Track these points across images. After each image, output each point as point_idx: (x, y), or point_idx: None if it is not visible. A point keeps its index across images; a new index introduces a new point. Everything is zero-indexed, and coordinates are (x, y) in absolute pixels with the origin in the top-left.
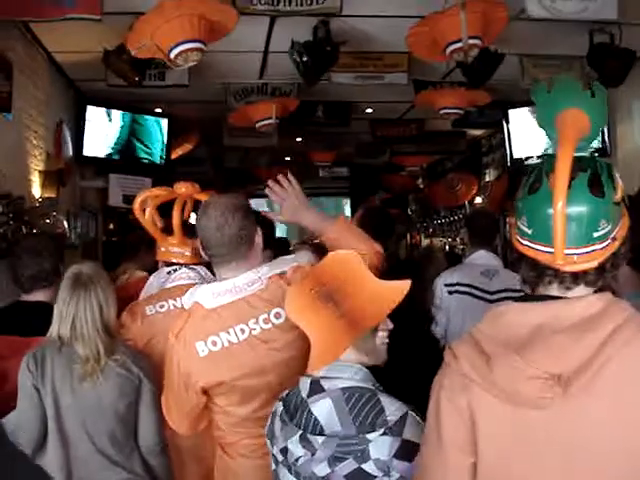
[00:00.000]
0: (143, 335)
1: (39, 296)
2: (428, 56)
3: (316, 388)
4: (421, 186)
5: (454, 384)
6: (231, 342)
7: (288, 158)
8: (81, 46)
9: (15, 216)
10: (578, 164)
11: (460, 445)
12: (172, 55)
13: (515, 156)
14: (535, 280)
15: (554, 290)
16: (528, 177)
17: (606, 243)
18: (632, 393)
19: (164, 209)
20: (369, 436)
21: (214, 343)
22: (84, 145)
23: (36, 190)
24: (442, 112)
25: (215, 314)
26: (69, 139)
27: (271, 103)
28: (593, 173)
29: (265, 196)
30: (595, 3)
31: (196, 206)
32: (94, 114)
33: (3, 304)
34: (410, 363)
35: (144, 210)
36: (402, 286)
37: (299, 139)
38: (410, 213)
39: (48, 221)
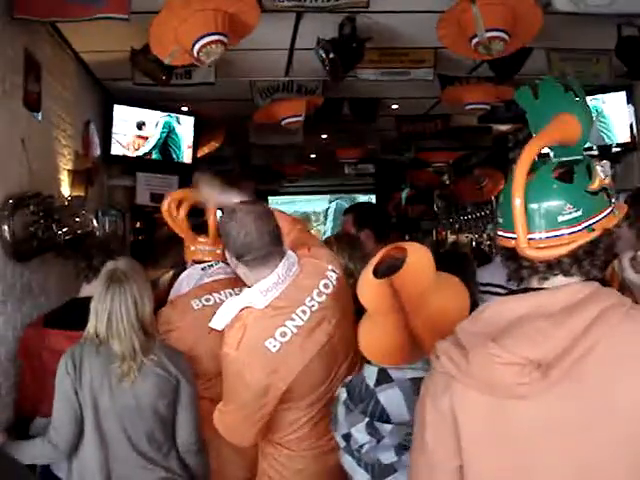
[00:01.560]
0: (193, 330)
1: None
2: (458, 50)
3: (384, 377)
4: (447, 182)
5: (437, 386)
6: (298, 326)
7: (313, 155)
8: (108, 45)
9: (45, 215)
10: (565, 161)
11: (444, 448)
12: (194, 52)
13: (542, 151)
14: (516, 274)
15: (534, 282)
16: (508, 173)
17: (575, 229)
18: (621, 377)
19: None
20: None
21: (283, 334)
22: (112, 144)
23: (65, 189)
24: (469, 108)
25: (271, 309)
26: (97, 138)
27: (299, 100)
28: (563, 162)
29: (291, 193)
30: None
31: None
32: (122, 113)
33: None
34: None
35: (176, 210)
36: (465, 303)
37: (324, 136)
38: (436, 209)
39: (78, 220)
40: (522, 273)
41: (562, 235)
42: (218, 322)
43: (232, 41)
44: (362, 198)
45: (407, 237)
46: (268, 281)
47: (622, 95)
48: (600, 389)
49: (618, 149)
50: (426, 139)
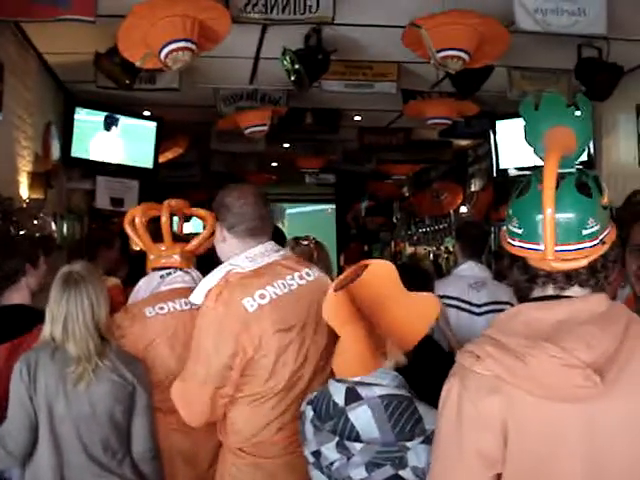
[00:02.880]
0: (144, 337)
1: (13, 298)
2: (423, 56)
3: (353, 395)
4: (406, 194)
5: (480, 388)
6: (277, 294)
7: (275, 164)
8: (72, 47)
9: (4, 217)
10: (567, 172)
11: (486, 454)
12: (162, 56)
13: (501, 167)
14: (528, 284)
15: (550, 291)
16: (517, 186)
17: (595, 242)
18: None
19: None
20: (408, 444)
21: (262, 296)
22: (72, 147)
23: (24, 191)
24: (430, 122)
25: (254, 273)
26: (57, 140)
27: (264, 110)
28: (580, 176)
29: None
30: (586, 18)
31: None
32: (83, 116)
33: None
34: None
35: (133, 222)
36: (434, 305)
37: (286, 145)
38: (395, 221)
39: (36, 222)
40: (537, 281)
41: (585, 248)
42: (198, 294)
43: (202, 48)
44: (322, 207)
45: (366, 247)
46: (255, 250)
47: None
48: (636, 399)
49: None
50: (387, 151)
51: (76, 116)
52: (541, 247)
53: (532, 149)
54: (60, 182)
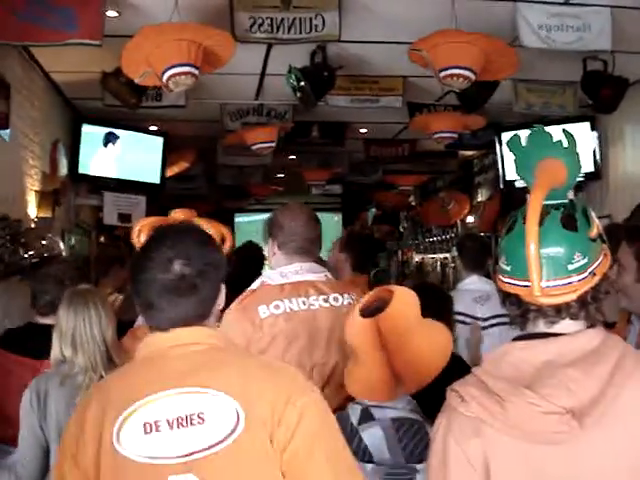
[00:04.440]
0: None
1: (53, 320)
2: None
3: (366, 416)
4: (413, 204)
5: (463, 428)
6: (292, 309)
7: (281, 175)
8: (78, 66)
9: (12, 239)
10: (553, 205)
11: None
12: (164, 78)
13: (508, 178)
14: (521, 319)
15: (540, 326)
16: (509, 219)
17: (584, 276)
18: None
19: None
20: (417, 466)
21: (277, 307)
22: (79, 163)
23: (32, 210)
24: (436, 136)
25: (280, 287)
26: (64, 158)
27: (271, 127)
28: (566, 210)
29: (257, 211)
30: (590, 34)
31: None
32: (90, 133)
33: (17, 325)
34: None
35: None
36: (449, 338)
37: (293, 157)
38: (402, 230)
39: (44, 243)
40: (528, 316)
41: (572, 282)
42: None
43: (205, 70)
44: (328, 216)
45: None
46: (290, 267)
47: (586, 125)
48: (628, 434)
49: (581, 178)
50: (393, 162)
51: (83, 133)
52: (527, 283)
53: (524, 182)
54: (68, 199)
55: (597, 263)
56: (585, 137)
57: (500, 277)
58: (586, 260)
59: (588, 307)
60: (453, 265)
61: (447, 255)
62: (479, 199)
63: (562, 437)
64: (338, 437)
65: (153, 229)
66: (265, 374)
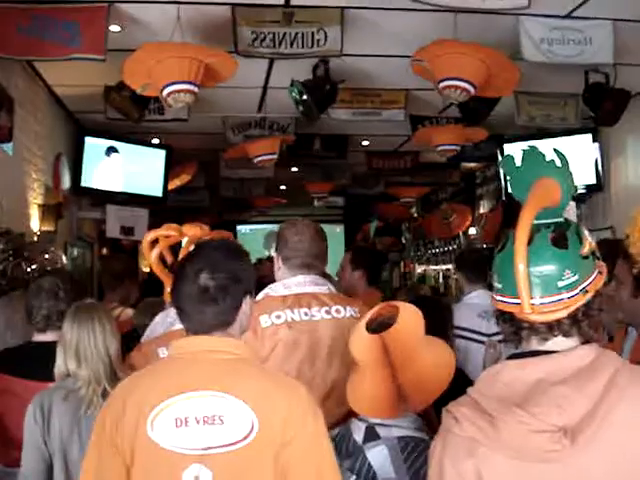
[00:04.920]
0: None
1: (52, 336)
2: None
3: (371, 434)
4: (415, 215)
5: (458, 449)
6: (294, 319)
7: (283, 186)
8: (81, 80)
9: (15, 252)
10: (545, 224)
11: None
12: (164, 94)
13: (510, 190)
14: (515, 336)
15: (534, 343)
16: (503, 238)
17: (574, 293)
18: (634, 441)
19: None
20: None
21: (278, 317)
22: (82, 176)
23: (34, 223)
24: (439, 149)
25: (282, 298)
26: (67, 171)
27: (273, 139)
28: (557, 229)
29: (259, 222)
30: (591, 47)
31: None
32: (93, 146)
33: (15, 344)
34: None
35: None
36: (451, 357)
37: (295, 169)
38: (404, 241)
39: (47, 256)
40: (521, 334)
41: (562, 299)
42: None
43: (205, 85)
44: (330, 228)
45: None
46: (294, 279)
47: (588, 137)
48: (622, 450)
49: (584, 190)
50: (396, 174)
51: (86, 146)
52: (518, 301)
53: (520, 201)
54: (70, 212)
55: (589, 280)
56: (587, 149)
57: (493, 295)
58: (577, 277)
59: (580, 324)
60: (455, 277)
61: (449, 266)
62: (481, 211)
63: (554, 455)
64: (333, 460)
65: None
66: (282, 393)
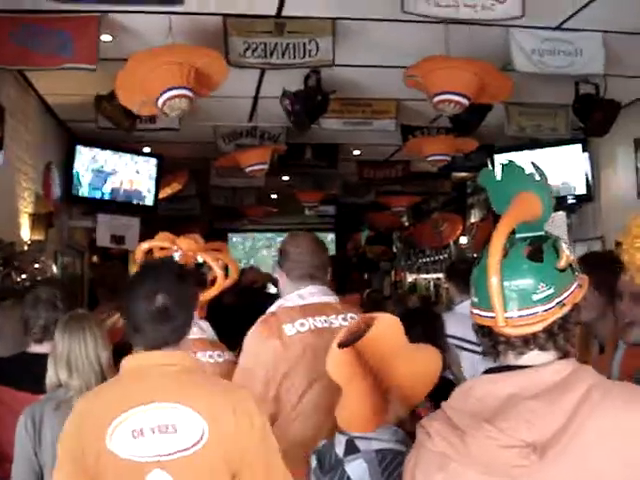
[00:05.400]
0: None
1: (49, 347)
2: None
3: (351, 447)
4: (406, 224)
5: (430, 464)
6: (316, 326)
7: (274, 195)
8: (73, 89)
9: (5, 262)
10: (522, 238)
11: None
12: (159, 103)
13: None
14: (492, 350)
15: (510, 357)
16: (482, 252)
17: (550, 306)
18: (604, 457)
19: None
20: None
21: (302, 324)
22: (73, 185)
23: (25, 232)
24: (430, 159)
25: (300, 308)
26: (57, 180)
27: (264, 148)
28: (533, 242)
29: (250, 231)
30: (582, 58)
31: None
32: (84, 155)
33: (9, 354)
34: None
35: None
36: (437, 360)
37: (286, 178)
38: (395, 250)
39: (37, 266)
40: (499, 348)
41: (537, 313)
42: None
43: (199, 94)
44: (321, 237)
45: (366, 276)
46: (306, 289)
47: (578, 147)
48: (592, 466)
49: (574, 200)
50: (387, 183)
51: (77, 154)
52: (492, 314)
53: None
54: (61, 221)
55: (567, 293)
56: (577, 159)
57: (471, 309)
58: (552, 290)
59: (555, 337)
60: (446, 286)
61: (440, 275)
62: (472, 220)
63: (522, 471)
64: (278, 455)
65: (142, 264)
66: (227, 397)
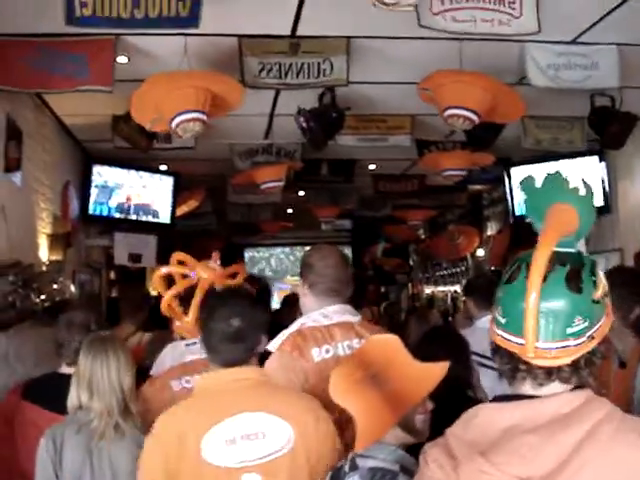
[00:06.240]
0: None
1: None
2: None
3: (353, 464)
4: (422, 237)
5: None
6: (338, 355)
7: (290, 210)
8: (89, 109)
9: (24, 284)
10: (559, 258)
11: None
12: (173, 125)
13: (517, 213)
14: (511, 373)
15: (527, 386)
16: (511, 266)
17: (581, 340)
18: None
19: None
20: None
21: (327, 351)
22: (90, 204)
23: (43, 253)
24: (445, 174)
25: (326, 329)
26: (75, 199)
27: (280, 165)
28: (573, 268)
29: (267, 245)
30: (598, 72)
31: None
32: (101, 174)
33: (27, 375)
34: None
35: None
36: (439, 370)
37: (302, 193)
38: (411, 263)
39: (56, 286)
40: (517, 376)
41: (569, 347)
42: (275, 342)
43: (214, 114)
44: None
45: (383, 289)
46: (331, 308)
47: (594, 159)
48: None
49: None
50: (403, 197)
51: (94, 174)
52: (522, 341)
53: (533, 224)
54: (78, 240)
55: (597, 326)
56: (594, 171)
57: (494, 328)
58: (586, 324)
59: (580, 372)
60: (464, 299)
61: (457, 288)
62: (489, 232)
63: None
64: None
65: (210, 291)
66: (308, 404)
